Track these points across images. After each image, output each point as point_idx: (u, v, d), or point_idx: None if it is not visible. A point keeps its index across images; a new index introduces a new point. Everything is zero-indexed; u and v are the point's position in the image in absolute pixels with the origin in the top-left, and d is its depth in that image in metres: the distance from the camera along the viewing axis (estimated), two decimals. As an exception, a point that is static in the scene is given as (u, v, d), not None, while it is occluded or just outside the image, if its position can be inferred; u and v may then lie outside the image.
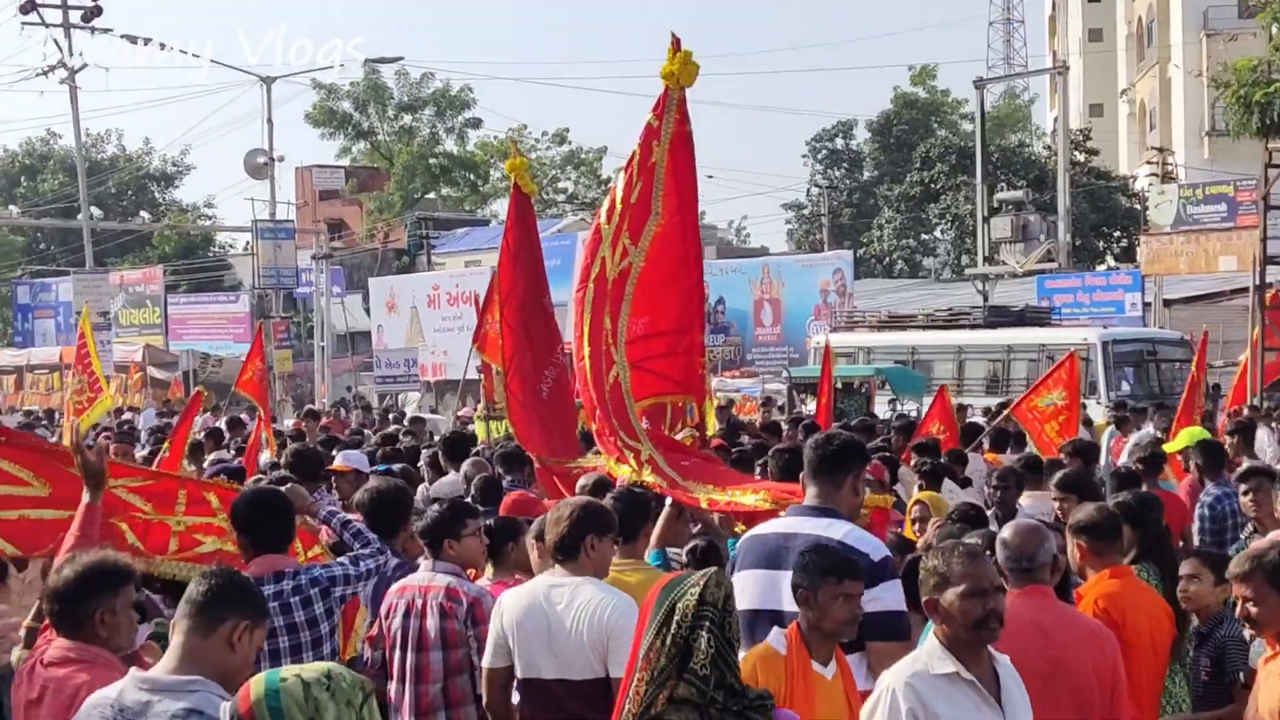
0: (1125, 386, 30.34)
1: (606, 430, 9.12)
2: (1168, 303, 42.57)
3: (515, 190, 13.35)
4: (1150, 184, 56.68)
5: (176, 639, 5.31)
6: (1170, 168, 58.61)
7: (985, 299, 44.87)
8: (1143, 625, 7.44)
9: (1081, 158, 66.67)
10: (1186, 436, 15.09)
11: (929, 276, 72.29)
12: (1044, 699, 6.19)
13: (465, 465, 13.41)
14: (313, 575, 7.40)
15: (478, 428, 21.55)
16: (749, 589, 7.10)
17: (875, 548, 7.11)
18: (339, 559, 7.79)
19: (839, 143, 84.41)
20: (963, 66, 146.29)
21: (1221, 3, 66.11)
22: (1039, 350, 32.18)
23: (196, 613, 5.29)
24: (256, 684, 4.19)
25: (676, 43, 9.35)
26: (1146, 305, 42.36)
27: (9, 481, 7.70)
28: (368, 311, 61.63)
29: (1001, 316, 35.27)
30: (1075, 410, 17.64)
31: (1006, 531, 6.99)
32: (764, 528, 7.54)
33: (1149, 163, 61.53)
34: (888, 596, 6.93)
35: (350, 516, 8.13)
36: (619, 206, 9.33)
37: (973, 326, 34.65)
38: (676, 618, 4.96)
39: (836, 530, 7.09)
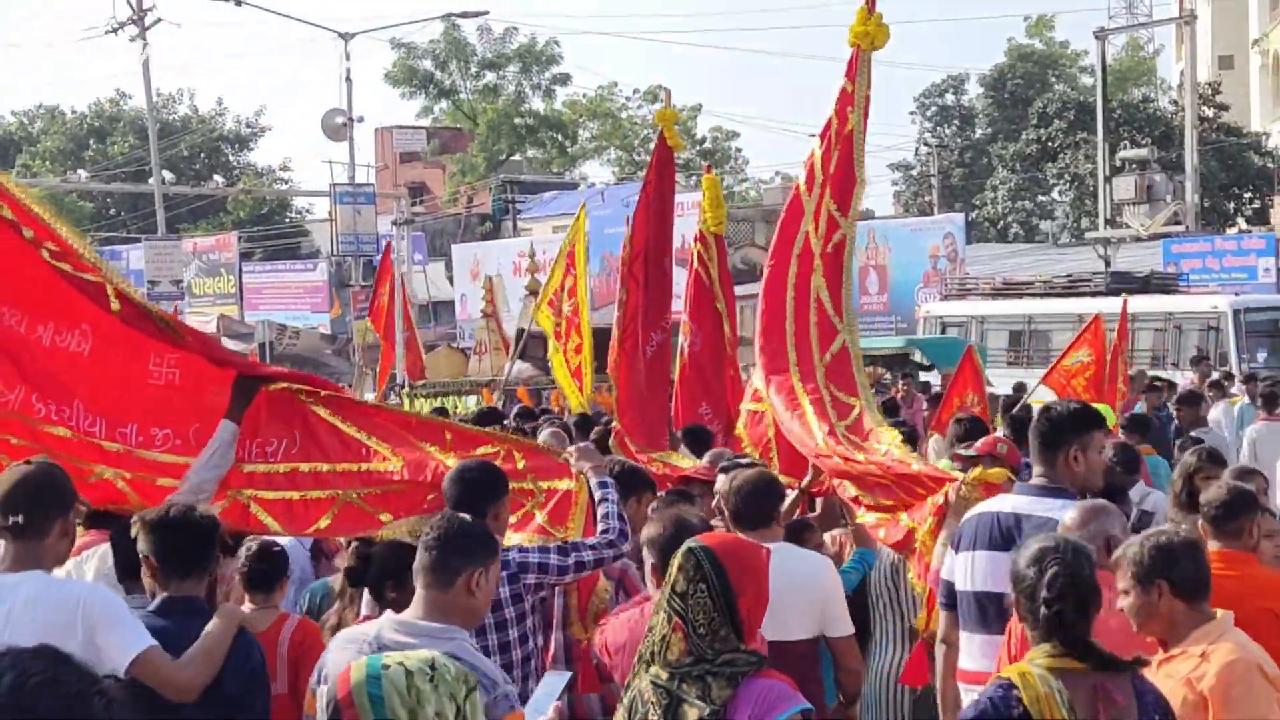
0: (1260, 358, 30.01)
1: (794, 401, 9.20)
2: (1304, 268, 42.13)
3: (660, 142, 13.52)
4: (1285, 141, 56.06)
5: (420, 591, 5.93)
6: (1307, 123, 57.88)
7: (1107, 264, 44.64)
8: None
9: (1210, 113, 65.88)
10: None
11: (1046, 241, 71.86)
12: None
13: (543, 435, 13.42)
14: (505, 558, 7.35)
15: (405, 406, 21.62)
16: (977, 570, 7.42)
17: None
18: (550, 545, 7.69)
19: (949, 98, 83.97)
20: (1082, 16, 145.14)
21: (1362, -55, 65.16)
22: (1165, 319, 31.90)
23: (434, 569, 5.92)
24: (358, 669, 4.28)
25: (871, 3, 9.33)
26: (1281, 271, 41.81)
27: (374, 458, 8.37)
28: (451, 280, 61.88)
29: (1125, 283, 34.79)
30: (1101, 367, 17.66)
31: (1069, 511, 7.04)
32: (992, 505, 7.67)
33: (1283, 118, 60.85)
34: None
35: (615, 499, 7.99)
36: (819, 176, 9.35)
37: (1094, 294, 34.23)
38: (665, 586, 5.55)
39: (1069, 511, 7.12)
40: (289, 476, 8.29)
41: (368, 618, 7.43)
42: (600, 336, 19.38)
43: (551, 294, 17.77)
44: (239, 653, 6.44)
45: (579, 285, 17.78)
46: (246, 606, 7.89)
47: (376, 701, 4.18)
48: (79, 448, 8.01)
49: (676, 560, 5.48)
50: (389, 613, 6.11)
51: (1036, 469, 7.59)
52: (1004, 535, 7.27)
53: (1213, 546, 7.56)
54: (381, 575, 7.37)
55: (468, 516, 6.43)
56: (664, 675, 5.32)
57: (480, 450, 8.43)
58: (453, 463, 8.15)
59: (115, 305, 8.06)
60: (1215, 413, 22.16)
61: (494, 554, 6.14)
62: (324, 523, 8.34)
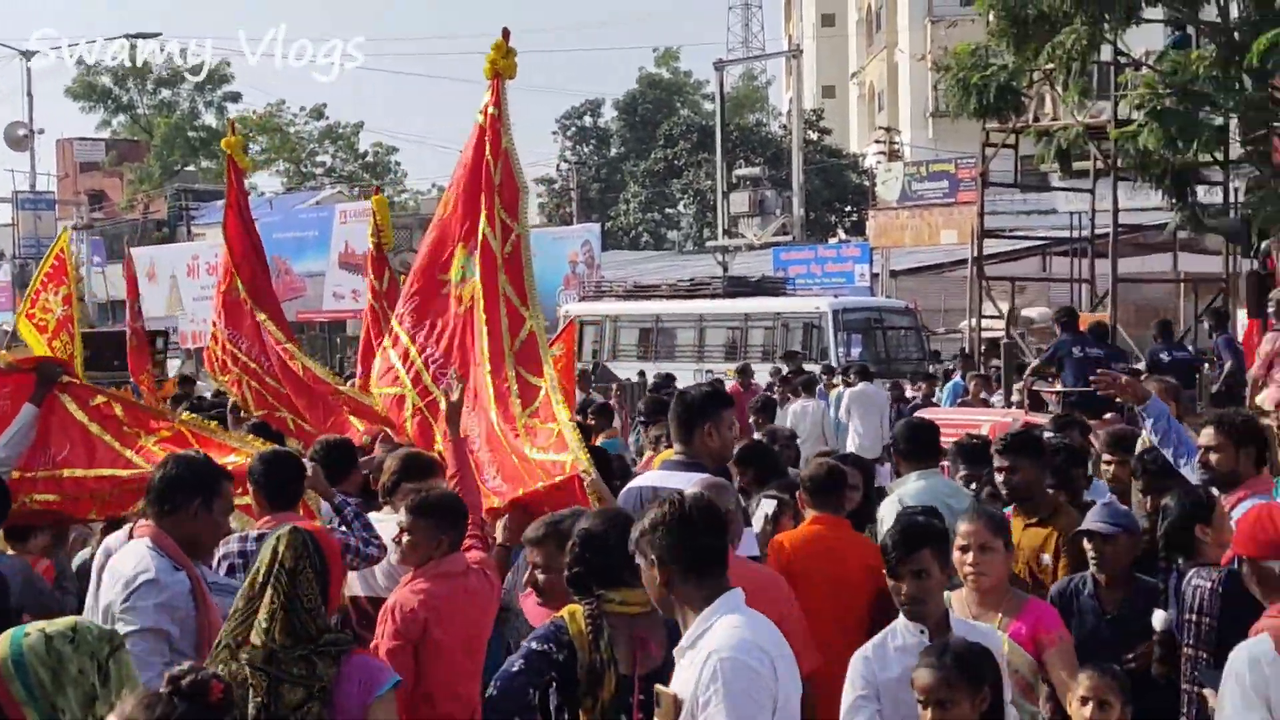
0: (854, 352, 30.78)
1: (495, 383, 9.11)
2: (894, 273, 43.21)
3: (231, 163, 13.24)
4: (878, 162, 57.67)
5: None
6: (897, 147, 59.56)
7: (725, 270, 45.24)
8: (817, 575, 7.54)
9: (815, 137, 67.59)
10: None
11: (672, 248, 72.77)
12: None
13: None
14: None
15: None
16: None
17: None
18: (350, 532, 7.65)
19: (587, 121, 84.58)
20: (704, 49, 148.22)
21: (944, -8, 67.24)
22: (774, 318, 32.52)
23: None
24: (3, 642, 4.13)
25: (506, 35, 9.37)
26: (874, 276, 42.78)
27: (121, 465, 8.76)
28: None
29: (740, 286, 35.48)
30: (571, 365, 18.27)
31: None
32: (637, 481, 7.74)
33: (877, 142, 62.50)
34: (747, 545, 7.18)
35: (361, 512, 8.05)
36: (483, 189, 9.36)
37: (713, 296, 34.80)
38: (261, 568, 5.26)
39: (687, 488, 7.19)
40: (59, 481, 8.71)
41: None
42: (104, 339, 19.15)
43: (29, 306, 17.54)
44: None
45: (72, 294, 17.67)
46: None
47: (20, 668, 4.05)
48: None
49: (283, 540, 5.27)
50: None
51: (676, 446, 7.65)
52: (645, 507, 7.17)
53: (810, 514, 8.05)
54: None
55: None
56: (260, 658, 5.10)
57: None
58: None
59: None
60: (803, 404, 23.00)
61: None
62: (92, 515, 8.96)
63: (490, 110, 9.38)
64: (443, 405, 8.86)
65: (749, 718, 4.63)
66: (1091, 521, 7.36)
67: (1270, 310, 17.18)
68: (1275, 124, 21.89)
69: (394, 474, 8.21)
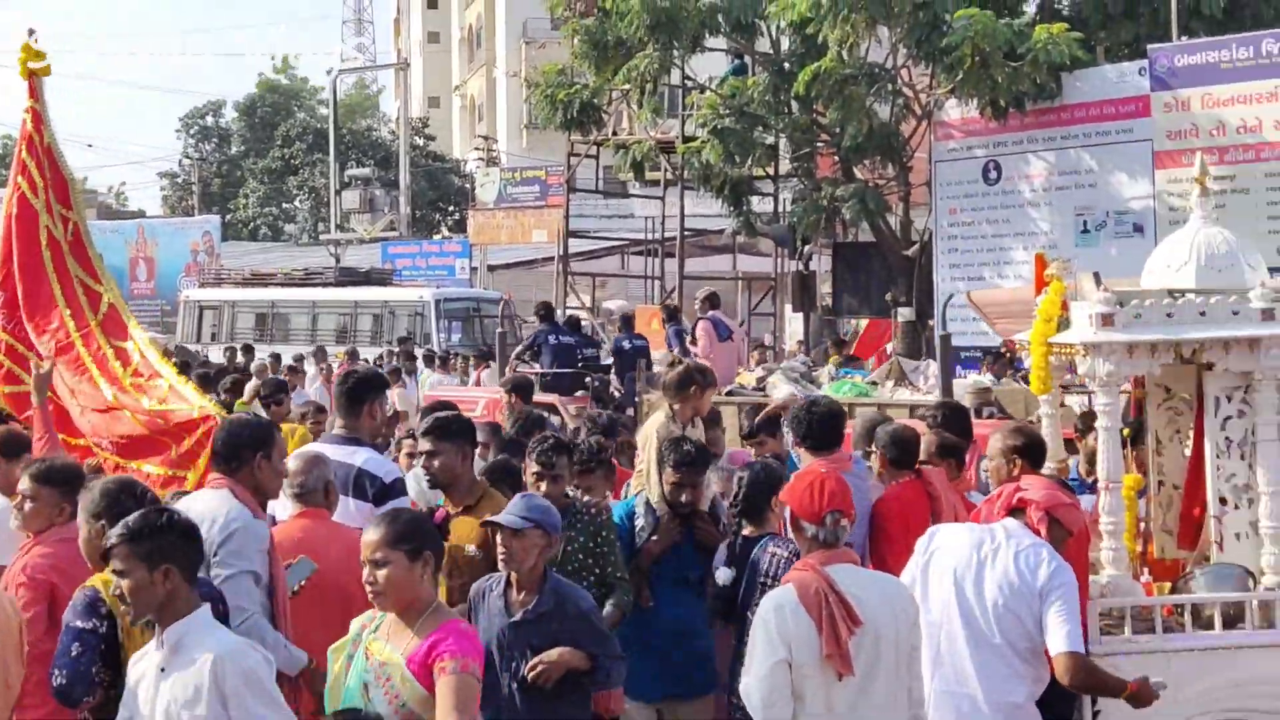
0: (455, 338, 31.17)
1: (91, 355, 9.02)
2: (491, 268, 43.70)
3: None
4: (478, 167, 57.83)
5: None
6: (495, 154, 59.92)
7: (337, 261, 45.05)
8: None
9: (421, 142, 67.69)
10: None
11: (289, 240, 71.91)
12: (317, 605, 6.38)
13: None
14: None
15: None
16: None
17: (389, 471, 7.39)
18: None
19: (210, 120, 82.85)
20: (320, 58, 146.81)
21: (538, 15, 67.38)
22: (382, 306, 32.71)
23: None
24: None
25: (32, 34, 9.32)
26: (473, 269, 43.32)
27: None
28: None
29: (351, 276, 35.47)
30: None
31: (290, 461, 6.85)
32: (309, 448, 7.57)
33: (476, 149, 62.84)
34: None
35: None
36: (39, 182, 9.23)
37: (325, 285, 34.69)
38: None
39: (359, 456, 7.30)
40: None
41: None
42: None
43: None
44: None
45: None
46: None
47: None
48: None
49: None
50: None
51: (339, 421, 7.55)
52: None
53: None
54: None
55: None
56: None
57: None
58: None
59: None
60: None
61: None
62: None
63: (34, 106, 9.32)
64: (27, 379, 8.76)
65: None
66: (503, 514, 6.22)
67: (696, 306, 18.47)
68: (817, 144, 23.06)
69: None
